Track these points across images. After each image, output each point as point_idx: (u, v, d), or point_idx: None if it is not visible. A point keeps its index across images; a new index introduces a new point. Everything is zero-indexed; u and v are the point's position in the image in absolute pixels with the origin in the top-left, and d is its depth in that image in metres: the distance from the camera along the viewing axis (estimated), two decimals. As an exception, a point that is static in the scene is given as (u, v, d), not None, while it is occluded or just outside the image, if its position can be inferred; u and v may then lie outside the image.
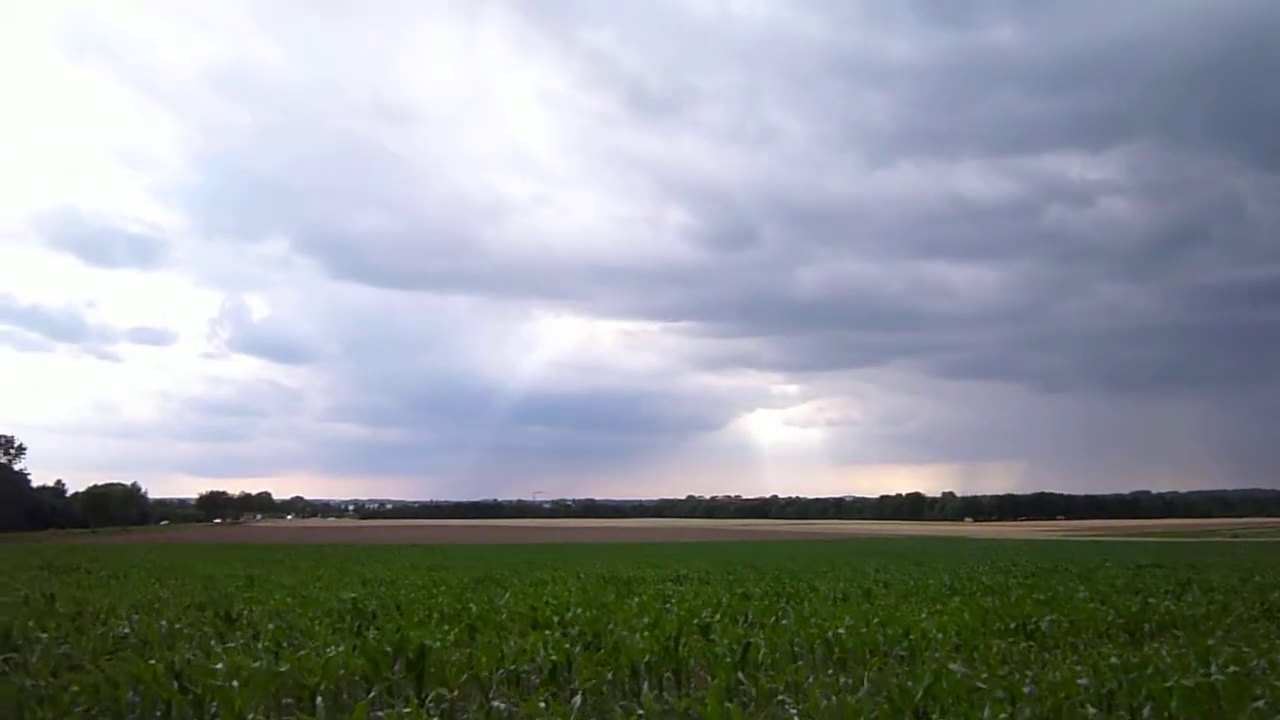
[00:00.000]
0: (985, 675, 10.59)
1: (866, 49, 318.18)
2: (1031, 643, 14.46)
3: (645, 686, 11.22)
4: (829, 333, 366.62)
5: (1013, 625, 15.64)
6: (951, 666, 10.75)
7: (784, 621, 16.21)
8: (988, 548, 68.41)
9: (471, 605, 19.25)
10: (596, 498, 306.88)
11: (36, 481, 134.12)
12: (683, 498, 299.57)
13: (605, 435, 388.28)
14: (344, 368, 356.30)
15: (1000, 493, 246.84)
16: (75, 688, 9.64)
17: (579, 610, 18.21)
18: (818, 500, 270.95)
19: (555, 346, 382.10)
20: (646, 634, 14.27)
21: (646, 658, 12.07)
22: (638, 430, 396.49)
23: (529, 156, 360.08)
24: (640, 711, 9.09)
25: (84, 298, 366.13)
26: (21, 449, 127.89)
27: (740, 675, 11.22)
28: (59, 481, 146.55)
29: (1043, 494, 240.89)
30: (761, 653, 12.62)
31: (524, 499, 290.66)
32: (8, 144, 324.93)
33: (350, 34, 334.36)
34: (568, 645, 12.59)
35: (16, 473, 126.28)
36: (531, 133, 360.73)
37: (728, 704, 8.81)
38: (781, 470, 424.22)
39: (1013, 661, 12.92)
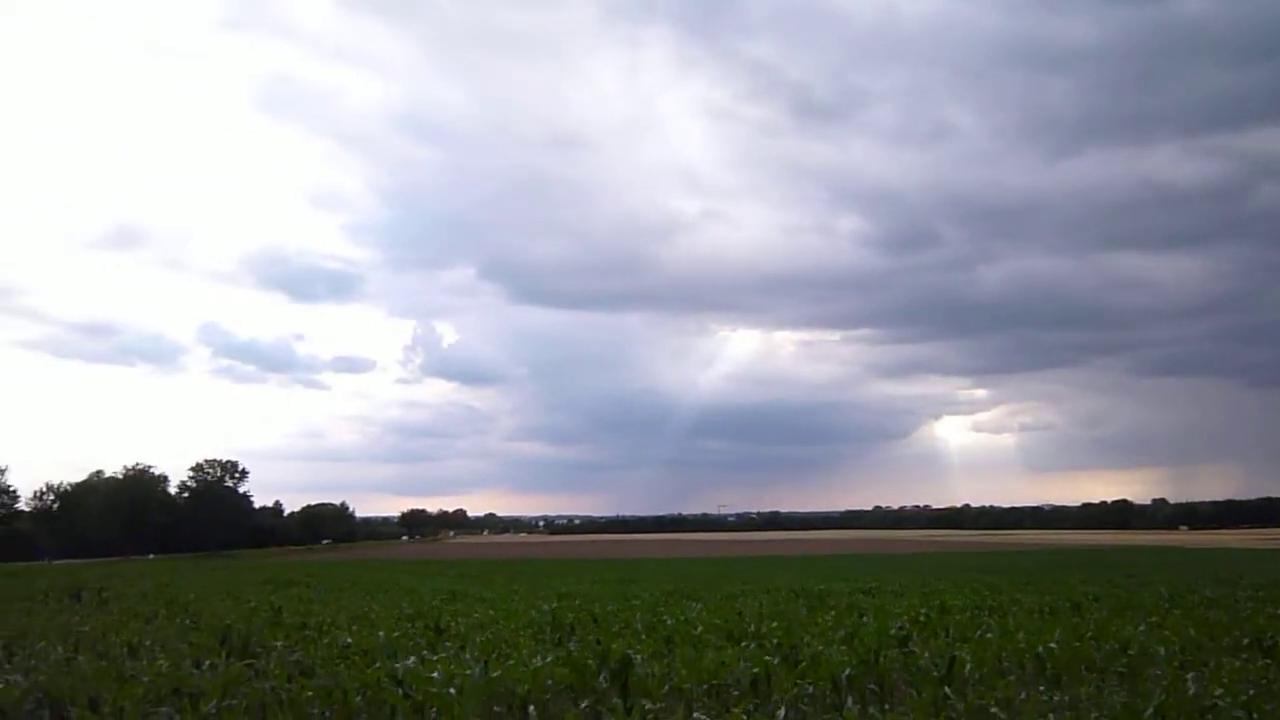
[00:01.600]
0: (1220, 693, 9.84)
1: (1042, 33, 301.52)
2: (1269, 660, 13.31)
3: (849, 700, 11.05)
4: (1017, 333, 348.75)
5: (1245, 640, 14.46)
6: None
7: (988, 635, 15.60)
8: (1205, 557, 63.45)
9: (666, 618, 19.47)
10: (781, 510, 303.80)
11: (258, 503, 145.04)
12: (869, 509, 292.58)
13: (787, 447, 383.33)
14: (529, 389, 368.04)
15: (1219, 498, 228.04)
16: (310, 692, 10.35)
17: (773, 623, 18.13)
18: (1013, 509, 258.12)
19: (733, 360, 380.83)
20: (844, 647, 14.07)
21: (847, 671, 11.89)
22: (820, 441, 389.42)
23: (696, 172, 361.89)
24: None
25: (292, 331, 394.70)
26: (244, 473, 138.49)
27: (946, 690, 10.88)
28: (277, 502, 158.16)
29: (1269, 499, 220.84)
30: (968, 667, 12.20)
31: (708, 512, 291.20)
32: (219, 195, 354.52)
33: (520, 70, 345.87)
34: (766, 658, 12.55)
35: (241, 495, 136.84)
36: (698, 149, 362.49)
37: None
38: (972, 478, 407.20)
39: (1249, 679, 11.94)
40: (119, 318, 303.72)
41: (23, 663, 12.15)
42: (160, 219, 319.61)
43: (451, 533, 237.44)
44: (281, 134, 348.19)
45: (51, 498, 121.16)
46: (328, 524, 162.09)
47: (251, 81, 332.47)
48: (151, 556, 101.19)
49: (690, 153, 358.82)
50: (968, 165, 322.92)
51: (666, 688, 11.12)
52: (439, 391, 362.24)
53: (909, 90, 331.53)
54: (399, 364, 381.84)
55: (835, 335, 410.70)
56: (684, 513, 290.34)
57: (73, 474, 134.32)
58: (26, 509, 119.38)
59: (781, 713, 9.53)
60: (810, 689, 11.40)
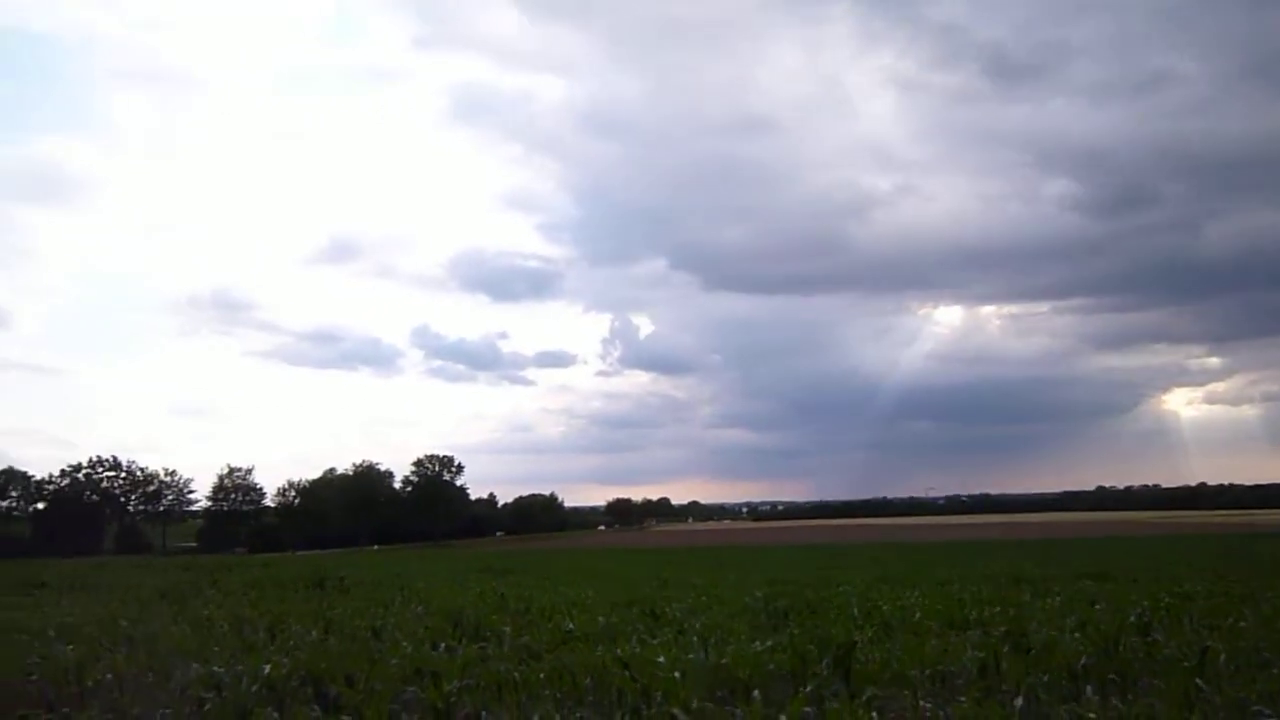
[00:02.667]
0: None
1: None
2: None
3: (1088, 690, 10.46)
4: (1253, 295, 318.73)
5: None
6: None
7: (1241, 624, 14.39)
8: None
9: (882, 604, 19.08)
10: (992, 492, 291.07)
11: (473, 495, 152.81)
12: (1090, 489, 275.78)
13: (997, 426, 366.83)
14: (727, 376, 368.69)
15: None
16: (540, 675, 10.78)
17: (995, 609, 17.43)
18: (1258, 487, 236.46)
19: (935, 338, 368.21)
20: (1077, 634, 13.35)
21: (1083, 659, 11.27)
22: (1034, 419, 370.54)
23: (887, 147, 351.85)
24: (1091, 716, 8.51)
25: (496, 330, 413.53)
26: (460, 467, 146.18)
27: (1199, 681, 10.11)
28: (491, 494, 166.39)
29: None
30: (1222, 658, 11.29)
31: (915, 496, 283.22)
32: (422, 205, 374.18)
33: (700, 58, 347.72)
34: (994, 644, 12.08)
35: (458, 488, 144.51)
36: (888, 122, 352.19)
37: (1188, 714, 7.99)
38: (1208, 455, 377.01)
39: None
40: (341, 326, 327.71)
41: (284, 644, 13.26)
42: (371, 232, 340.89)
43: (653, 521, 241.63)
44: (476, 141, 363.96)
45: (293, 494, 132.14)
46: (538, 514, 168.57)
47: (445, 94, 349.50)
48: (375, 548, 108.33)
49: (880, 127, 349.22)
50: (1186, 115, 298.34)
51: (889, 674, 10.90)
52: (638, 382, 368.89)
53: (1112, 40, 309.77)
54: (598, 357, 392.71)
55: (1044, 307, 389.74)
56: (889, 496, 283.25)
57: (310, 471, 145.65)
58: (272, 504, 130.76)
59: (1018, 701, 9.12)
60: (1044, 678, 10.88)
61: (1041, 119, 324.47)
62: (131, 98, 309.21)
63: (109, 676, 10.64)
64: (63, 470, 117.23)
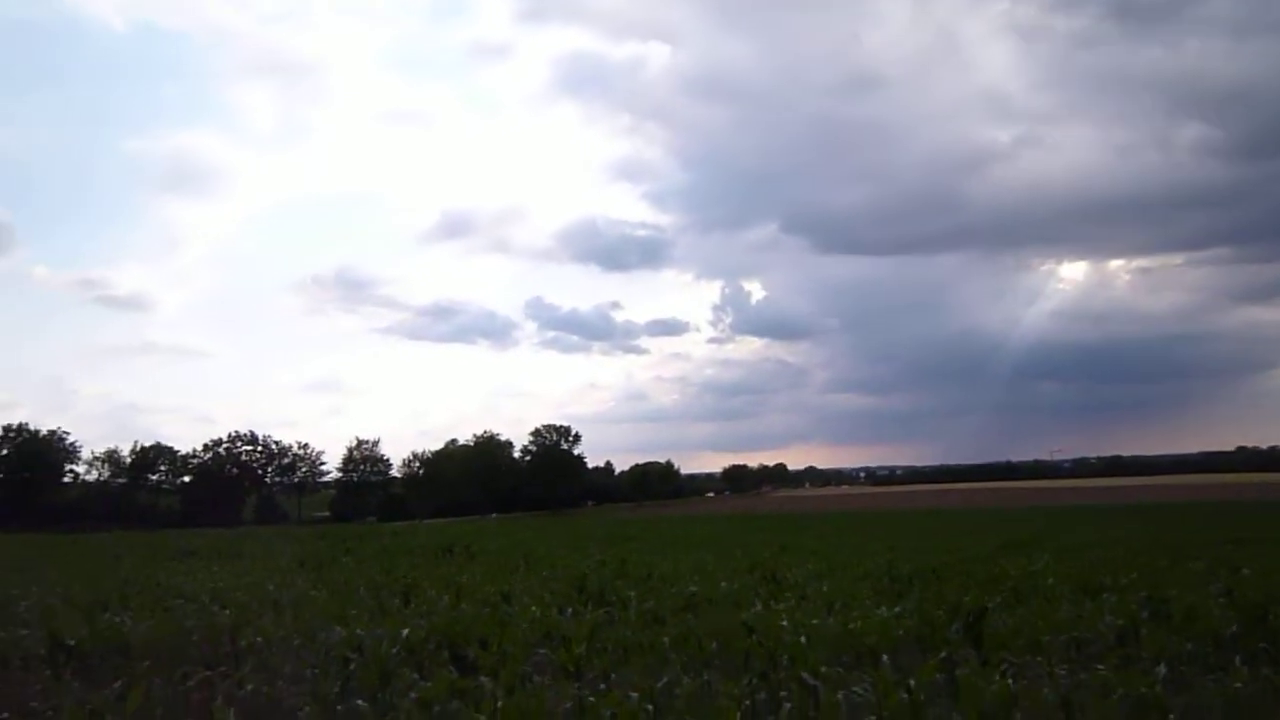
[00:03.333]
0: None
1: None
2: None
3: (1236, 660, 10.01)
4: None
5: None
6: None
7: None
8: None
9: (1010, 569, 18.65)
10: (1123, 454, 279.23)
11: (590, 464, 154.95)
12: (1231, 449, 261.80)
13: (1128, 385, 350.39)
14: (842, 340, 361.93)
15: None
16: (666, 639, 10.93)
17: (1132, 574, 16.84)
18: None
19: (1059, 296, 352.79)
20: (1223, 601, 12.79)
21: (1232, 628, 10.80)
22: (1168, 377, 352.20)
23: (1006, 98, 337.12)
24: (1239, 687, 8.17)
25: (608, 300, 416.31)
26: (577, 437, 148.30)
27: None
28: (608, 463, 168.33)
29: None
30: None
31: (1040, 459, 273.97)
32: (532, 178, 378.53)
33: (807, 17, 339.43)
34: (1133, 611, 11.68)
35: (576, 457, 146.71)
36: (1006, 72, 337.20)
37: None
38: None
39: None
40: (458, 300, 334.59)
41: (418, 609, 13.78)
42: (483, 207, 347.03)
43: (768, 487, 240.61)
44: (583, 112, 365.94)
45: (418, 465, 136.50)
46: (654, 482, 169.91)
47: (551, 67, 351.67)
48: (494, 516, 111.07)
49: (998, 77, 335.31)
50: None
51: (1022, 640, 10.66)
52: (752, 349, 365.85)
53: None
54: (710, 324, 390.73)
55: (1178, 259, 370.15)
56: (1013, 460, 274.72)
57: (433, 443, 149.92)
58: (398, 475, 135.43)
59: (1161, 670, 8.80)
60: (1188, 646, 10.47)
61: (1174, 61, 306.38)
62: (256, 89, 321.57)
63: (259, 639, 11.24)
64: (205, 445, 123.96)
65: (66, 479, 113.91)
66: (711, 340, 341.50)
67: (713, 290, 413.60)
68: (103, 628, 11.06)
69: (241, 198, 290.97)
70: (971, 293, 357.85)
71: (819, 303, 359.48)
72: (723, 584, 16.79)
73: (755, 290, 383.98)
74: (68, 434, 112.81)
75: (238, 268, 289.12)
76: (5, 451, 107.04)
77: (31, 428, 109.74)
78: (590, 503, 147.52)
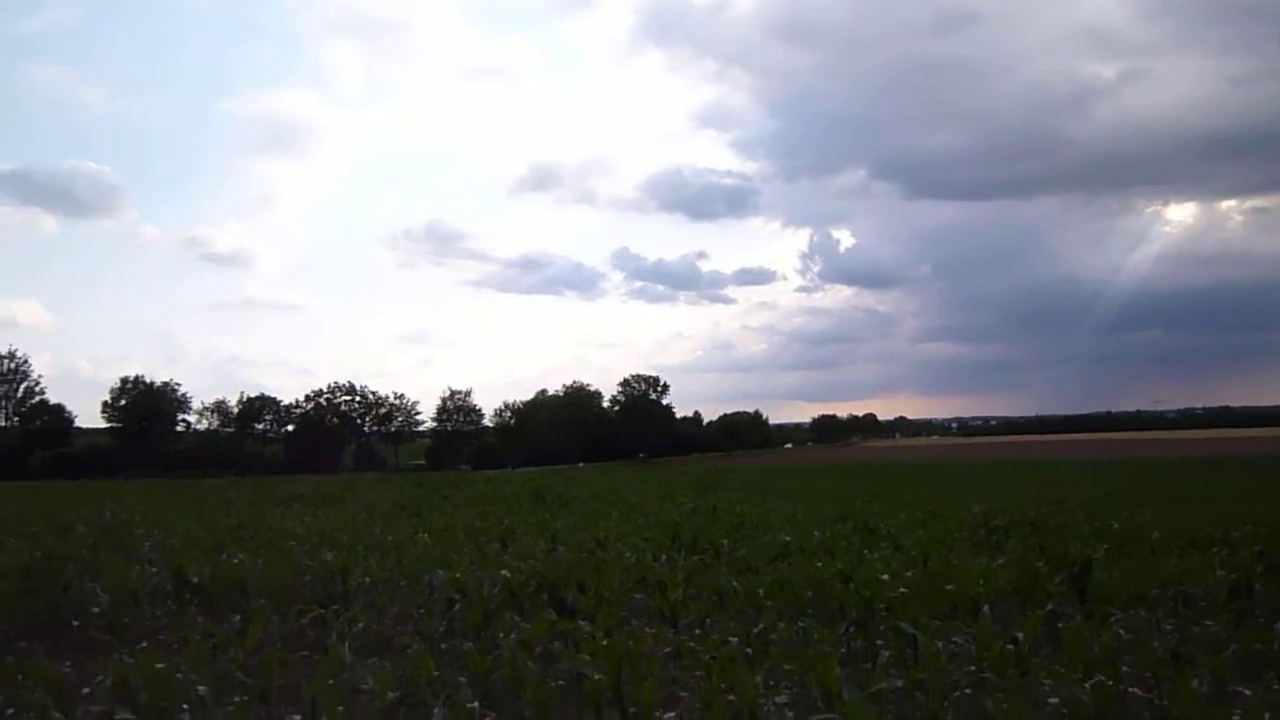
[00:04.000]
0: None
1: None
2: None
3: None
4: None
5: None
6: None
7: None
8: None
9: (1112, 522, 18.20)
10: (1232, 404, 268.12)
11: (679, 414, 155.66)
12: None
13: (1238, 333, 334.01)
14: (934, 287, 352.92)
15: None
16: (761, 587, 11.00)
17: (1244, 528, 16.26)
18: None
19: (1165, 239, 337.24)
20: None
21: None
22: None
23: (1110, 30, 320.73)
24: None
25: (695, 250, 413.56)
26: (665, 387, 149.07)
27: None
28: (696, 413, 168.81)
29: None
30: None
31: (1142, 409, 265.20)
32: (618, 128, 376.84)
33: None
34: (1246, 565, 11.31)
35: (664, 407, 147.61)
36: (1109, 3, 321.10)
37: None
38: None
39: None
40: (546, 252, 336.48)
41: (516, 553, 14.12)
42: (570, 158, 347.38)
43: (857, 437, 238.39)
44: (668, 60, 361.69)
45: (509, 415, 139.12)
46: (743, 431, 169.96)
47: (635, 14, 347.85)
48: (581, 465, 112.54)
49: (1101, 8, 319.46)
50: None
51: (1128, 594, 10.43)
52: (841, 297, 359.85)
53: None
54: (798, 273, 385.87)
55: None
56: (1112, 410, 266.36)
57: (524, 393, 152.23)
58: (490, 424, 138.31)
59: None
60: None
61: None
62: (344, 47, 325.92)
63: (367, 579, 11.69)
64: (306, 396, 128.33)
65: (179, 428, 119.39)
66: (799, 289, 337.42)
67: (800, 238, 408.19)
68: (222, 566, 11.63)
69: (333, 155, 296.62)
70: (1070, 237, 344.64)
71: (910, 249, 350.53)
72: (815, 533, 16.77)
73: (844, 238, 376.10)
74: (179, 386, 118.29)
75: (331, 224, 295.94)
76: (124, 402, 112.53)
77: (146, 380, 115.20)
78: (677, 453, 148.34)
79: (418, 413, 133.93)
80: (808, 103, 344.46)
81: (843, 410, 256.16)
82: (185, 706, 6.19)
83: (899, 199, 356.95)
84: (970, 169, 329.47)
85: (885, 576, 10.59)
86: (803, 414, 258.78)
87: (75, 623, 10.50)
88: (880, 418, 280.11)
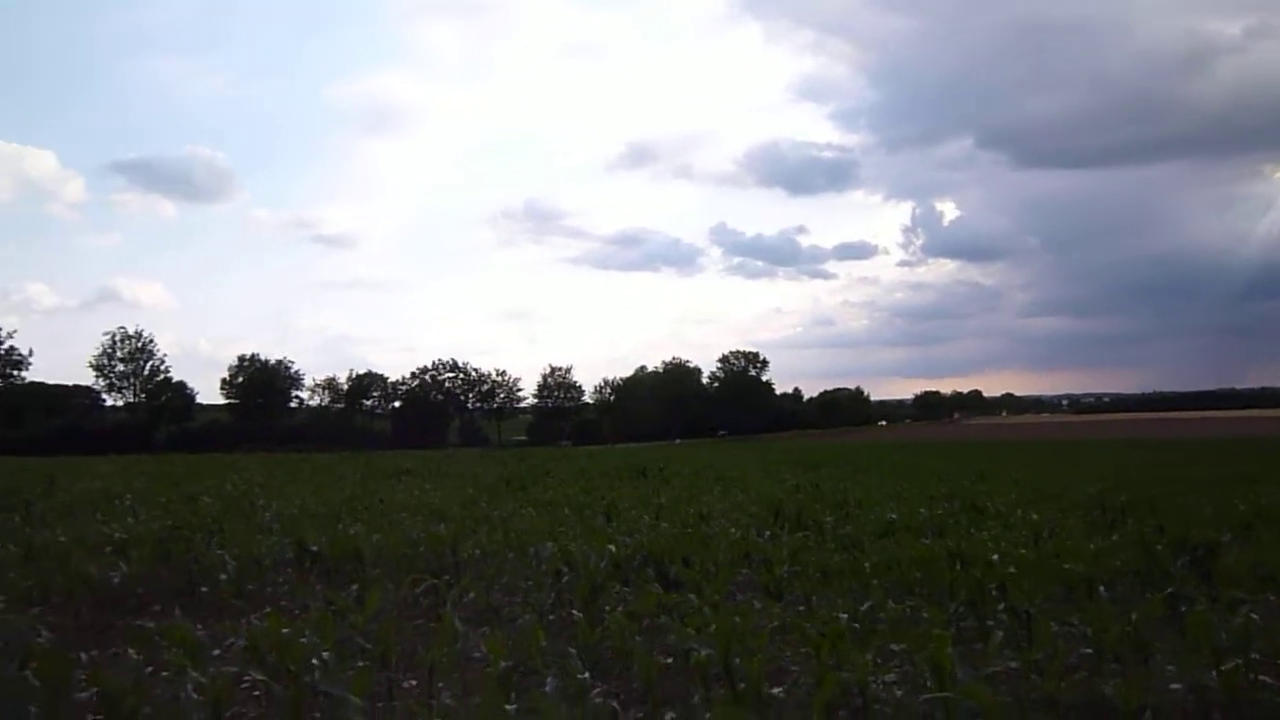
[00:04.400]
0: None
1: None
2: None
3: None
4: None
5: None
6: None
7: None
8: None
9: (1238, 503, 17.40)
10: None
11: (778, 390, 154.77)
12: None
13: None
14: (1042, 260, 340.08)
15: None
16: (866, 564, 10.88)
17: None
18: None
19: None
20: None
21: None
22: None
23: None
24: None
25: (794, 224, 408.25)
26: (765, 363, 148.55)
27: None
28: (795, 389, 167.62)
29: None
30: None
31: (1268, 386, 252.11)
32: (714, 102, 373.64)
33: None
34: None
35: (763, 383, 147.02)
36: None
37: None
38: None
39: None
40: (644, 228, 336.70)
41: (620, 527, 14.27)
42: (666, 134, 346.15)
43: (957, 414, 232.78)
44: (765, 32, 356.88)
45: (609, 391, 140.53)
46: (843, 408, 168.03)
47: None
48: (677, 441, 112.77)
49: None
50: None
51: (1257, 577, 9.98)
52: (944, 271, 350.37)
53: None
54: (900, 246, 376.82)
55: None
56: (1239, 387, 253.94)
57: (623, 370, 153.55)
58: (590, 401, 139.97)
59: None
60: None
61: None
62: (440, 27, 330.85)
63: (476, 551, 11.98)
64: (412, 373, 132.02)
65: (292, 404, 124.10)
66: (901, 263, 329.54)
67: (902, 211, 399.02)
68: (340, 537, 12.06)
69: (434, 135, 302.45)
70: (1189, 205, 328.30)
71: (1017, 221, 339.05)
72: (921, 511, 16.50)
73: (948, 210, 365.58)
74: (292, 363, 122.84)
75: (434, 203, 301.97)
76: (241, 380, 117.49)
77: (262, 358, 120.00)
78: (775, 429, 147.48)
79: (519, 389, 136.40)
80: (910, 71, 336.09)
81: (946, 387, 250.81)
82: (312, 667, 6.46)
83: (1007, 168, 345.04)
84: (1083, 135, 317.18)
85: (995, 556, 10.35)
86: (905, 390, 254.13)
87: (203, 588, 11.05)
88: (986, 394, 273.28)
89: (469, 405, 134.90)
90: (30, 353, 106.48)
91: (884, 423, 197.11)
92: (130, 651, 6.38)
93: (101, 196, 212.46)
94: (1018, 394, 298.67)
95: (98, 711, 5.95)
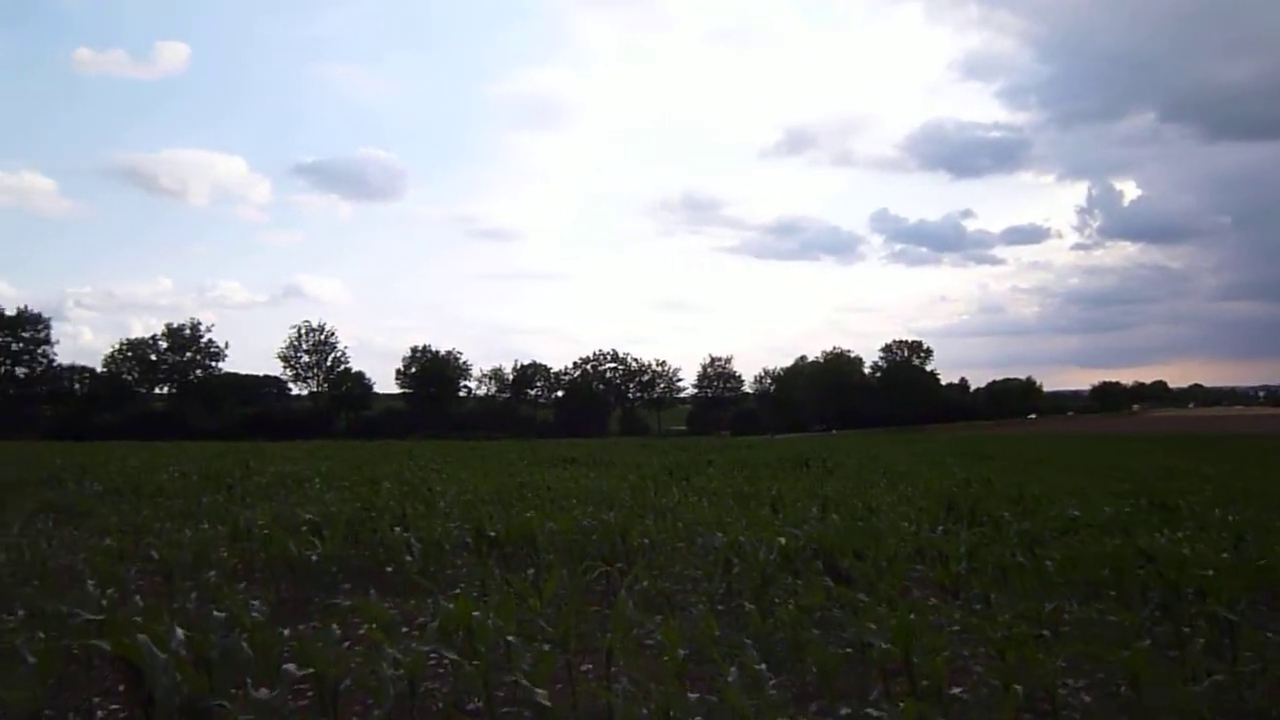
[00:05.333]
0: None
1: None
2: None
3: None
4: None
5: None
6: None
7: None
8: None
9: None
10: None
11: (943, 380, 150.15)
12: None
13: None
14: (1237, 239, 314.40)
15: None
16: (1048, 561, 10.43)
17: None
18: None
19: None
20: None
21: None
22: None
23: None
24: None
25: (959, 208, 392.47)
26: (929, 352, 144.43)
27: None
28: (962, 379, 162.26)
29: None
30: None
31: None
32: (872, 85, 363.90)
33: None
34: None
35: (928, 373, 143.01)
36: None
37: None
38: None
39: None
40: (801, 216, 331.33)
41: (787, 518, 14.16)
42: (823, 119, 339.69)
43: (1135, 406, 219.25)
44: (926, 9, 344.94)
45: (769, 381, 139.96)
46: (1014, 398, 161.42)
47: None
48: (833, 431, 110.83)
49: None
50: None
51: None
52: (1124, 254, 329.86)
53: None
54: (1074, 229, 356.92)
55: None
56: None
57: (782, 359, 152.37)
58: (750, 391, 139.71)
59: None
60: None
61: None
62: (598, 21, 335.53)
63: (646, 540, 12.15)
64: (574, 363, 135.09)
65: (461, 393, 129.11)
66: (1076, 246, 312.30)
67: (1077, 192, 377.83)
68: (516, 522, 12.48)
69: (591, 128, 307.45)
70: None
71: (1207, 198, 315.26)
72: (1105, 508, 15.68)
73: (1128, 189, 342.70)
74: (461, 354, 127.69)
75: (592, 195, 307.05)
76: (414, 370, 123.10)
77: (433, 349, 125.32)
78: (939, 420, 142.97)
79: (679, 379, 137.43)
80: (1084, 43, 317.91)
81: (1127, 377, 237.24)
82: (498, 648, 6.73)
83: (1195, 142, 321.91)
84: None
85: (1190, 557, 9.75)
86: (1081, 381, 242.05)
87: (388, 568, 11.65)
88: (1171, 385, 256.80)
89: (629, 395, 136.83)
90: (226, 345, 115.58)
91: (1031, 416, 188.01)
92: (332, 626, 6.79)
93: (285, 198, 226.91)
94: (1206, 385, 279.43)
95: (304, 681, 6.36)
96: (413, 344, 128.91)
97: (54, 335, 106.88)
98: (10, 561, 10.93)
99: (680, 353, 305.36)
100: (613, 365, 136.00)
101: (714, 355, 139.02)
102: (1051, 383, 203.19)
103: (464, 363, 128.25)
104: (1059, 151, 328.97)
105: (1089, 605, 9.24)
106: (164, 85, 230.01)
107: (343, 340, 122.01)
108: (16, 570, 10.61)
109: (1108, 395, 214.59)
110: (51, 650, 6.40)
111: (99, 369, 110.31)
